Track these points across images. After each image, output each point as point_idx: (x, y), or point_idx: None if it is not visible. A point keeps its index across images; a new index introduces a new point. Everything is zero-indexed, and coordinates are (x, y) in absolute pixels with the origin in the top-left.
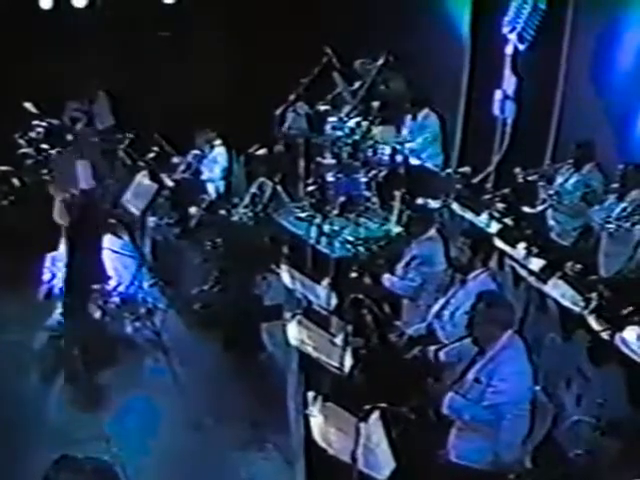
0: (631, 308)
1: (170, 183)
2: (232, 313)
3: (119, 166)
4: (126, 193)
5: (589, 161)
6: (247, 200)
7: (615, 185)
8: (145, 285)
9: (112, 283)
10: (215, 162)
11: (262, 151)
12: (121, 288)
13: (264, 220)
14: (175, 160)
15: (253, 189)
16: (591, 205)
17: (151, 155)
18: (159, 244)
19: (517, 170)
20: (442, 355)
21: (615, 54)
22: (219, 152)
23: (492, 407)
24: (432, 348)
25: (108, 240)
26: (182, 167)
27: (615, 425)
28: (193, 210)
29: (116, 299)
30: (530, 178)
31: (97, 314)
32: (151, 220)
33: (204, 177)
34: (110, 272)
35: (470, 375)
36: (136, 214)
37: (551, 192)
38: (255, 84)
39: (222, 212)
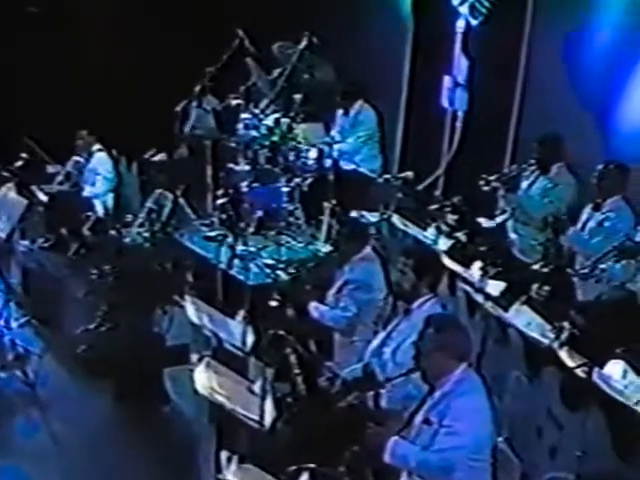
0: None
1: (44, 198)
2: (125, 357)
3: None
4: None
5: (556, 161)
6: (142, 217)
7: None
8: (13, 325)
9: None
10: (95, 172)
11: (160, 156)
12: None
13: (163, 241)
14: (50, 169)
15: (149, 203)
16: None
17: (19, 163)
18: (31, 273)
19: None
20: (384, 401)
21: (591, 29)
22: (99, 159)
23: (444, 451)
24: (371, 394)
25: None
26: (60, 178)
27: None
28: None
29: None
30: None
31: None
32: (21, 244)
33: (85, 192)
34: None
35: (418, 418)
36: (0, 237)
37: (512, 200)
38: (150, 73)
39: (111, 232)
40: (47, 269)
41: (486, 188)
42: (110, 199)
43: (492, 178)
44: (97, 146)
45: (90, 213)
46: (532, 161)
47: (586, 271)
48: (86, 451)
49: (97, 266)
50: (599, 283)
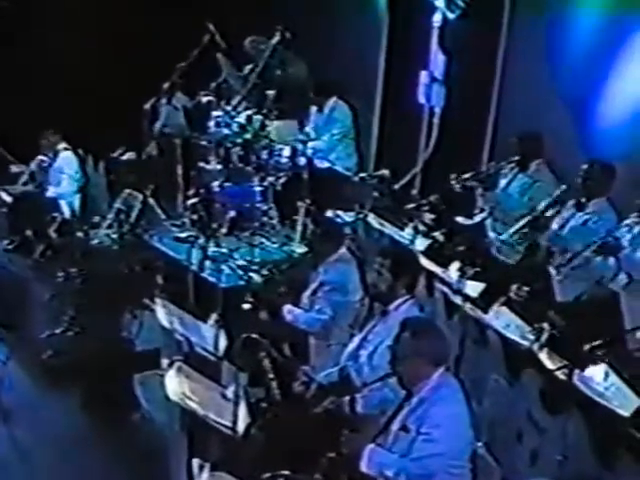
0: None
1: (8, 198)
2: (94, 362)
3: None
4: None
5: (535, 158)
6: (110, 218)
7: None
8: None
9: None
10: (60, 172)
11: (128, 155)
12: None
13: (133, 243)
14: (14, 169)
15: (118, 204)
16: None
17: None
18: None
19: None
20: (360, 406)
21: (570, 24)
22: (65, 159)
23: (422, 459)
24: (347, 398)
25: None
26: (24, 178)
27: None
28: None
29: None
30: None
31: None
32: None
33: (50, 193)
34: None
35: (395, 425)
36: None
37: (490, 198)
38: (118, 69)
39: (78, 234)
40: (12, 272)
41: (460, 187)
42: (77, 200)
43: (467, 176)
44: (63, 145)
45: (56, 214)
46: (511, 158)
47: (563, 262)
48: (52, 460)
49: (64, 269)
50: (579, 278)
